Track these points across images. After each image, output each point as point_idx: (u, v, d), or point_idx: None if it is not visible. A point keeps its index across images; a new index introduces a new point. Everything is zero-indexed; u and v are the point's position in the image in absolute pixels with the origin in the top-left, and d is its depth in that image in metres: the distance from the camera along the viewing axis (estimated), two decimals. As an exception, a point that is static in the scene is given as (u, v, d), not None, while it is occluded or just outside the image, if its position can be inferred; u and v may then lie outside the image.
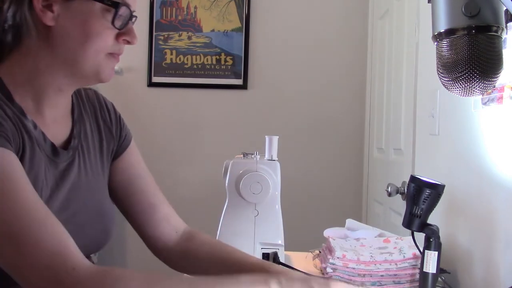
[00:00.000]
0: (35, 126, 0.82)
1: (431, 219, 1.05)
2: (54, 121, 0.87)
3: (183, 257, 0.98)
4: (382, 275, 1.13)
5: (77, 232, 0.82)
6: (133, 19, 0.86)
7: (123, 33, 0.83)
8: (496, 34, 0.81)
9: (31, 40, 0.80)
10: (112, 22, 0.81)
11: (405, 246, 1.17)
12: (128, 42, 0.85)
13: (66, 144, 0.89)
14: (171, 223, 1.01)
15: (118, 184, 1.00)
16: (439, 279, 1.09)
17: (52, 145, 0.84)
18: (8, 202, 0.67)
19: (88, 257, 0.89)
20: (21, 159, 0.76)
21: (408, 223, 1.05)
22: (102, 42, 0.81)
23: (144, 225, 1.00)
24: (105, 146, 0.98)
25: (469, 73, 0.81)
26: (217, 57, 2.64)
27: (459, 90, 0.84)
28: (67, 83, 0.85)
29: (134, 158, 1.05)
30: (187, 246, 0.99)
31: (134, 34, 0.85)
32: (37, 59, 0.81)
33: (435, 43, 0.88)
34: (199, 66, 2.64)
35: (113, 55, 0.84)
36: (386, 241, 1.23)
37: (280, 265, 0.95)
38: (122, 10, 0.81)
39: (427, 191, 1.02)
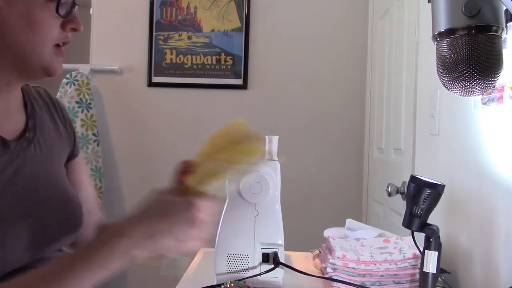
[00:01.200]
0: None
1: (431, 219, 1.05)
2: (6, 115, 0.86)
3: None
4: (382, 275, 1.13)
5: (42, 220, 0.84)
6: (76, 6, 0.84)
7: (68, 21, 0.82)
8: (496, 34, 0.81)
9: None
10: (57, 11, 0.79)
11: (405, 246, 1.17)
12: (74, 30, 0.83)
13: (21, 136, 0.88)
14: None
15: None
16: (439, 279, 1.09)
17: (1, 138, 0.82)
18: None
19: (59, 250, 0.90)
20: None
21: (408, 223, 1.05)
22: (48, 32, 0.79)
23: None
24: (64, 141, 0.99)
25: (469, 73, 0.81)
26: (217, 57, 2.64)
27: (459, 90, 0.84)
28: (15, 77, 0.83)
29: (81, 168, 1.06)
30: None
31: (78, 20, 0.83)
32: None
33: (435, 43, 0.87)
34: (199, 66, 2.64)
35: (59, 48, 0.83)
36: (386, 241, 1.23)
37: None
38: None
39: (427, 191, 1.01)
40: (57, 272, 0.66)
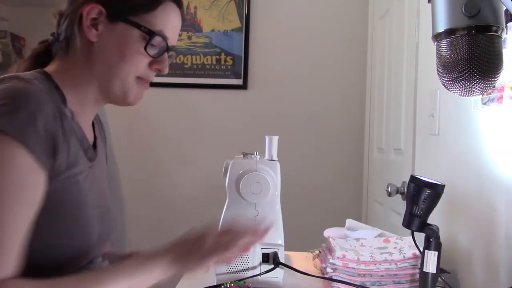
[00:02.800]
0: (80, 130, 0.90)
1: (431, 219, 1.05)
2: (87, 127, 0.96)
3: None
4: (382, 275, 1.13)
5: (107, 228, 0.96)
6: (170, 52, 0.94)
7: (156, 61, 0.91)
8: (496, 34, 0.81)
9: (76, 52, 0.90)
10: (145, 49, 0.88)
11: (405, 246, 1.17)
12: (159, 71, 0.93)
13: (94, 147, 0.98)
14: None
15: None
16: (439, 279, 1.09)
17: (89, 145, 0.93)
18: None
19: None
20: (61, 157, 0.82)
21: (408, 223, 1.05)
22: (133, 65, 0.89)
23: None
24: (105, 159, 1.08)
25: (469, 73, 0.81)
26: (217, 57, 2.64)
27: (459, 90, 0.84)
28: (101, 97, 0.93)
29: None
30: None
31: (165, 64, 0.93)
32: (79, 70, 0.90)
33: (435, 43, 0.88)
34: (199, 66, 2.64)
35: (142, 80, 0.92)
36: (386, 241, 1.23)
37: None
38: (157, 40, 0.89)
39: (427, 191, 1.02)
40: (113, 277, 0.81)
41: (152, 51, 0.90)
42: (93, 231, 0.89)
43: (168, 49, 0.92)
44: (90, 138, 0.97)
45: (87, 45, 0.89)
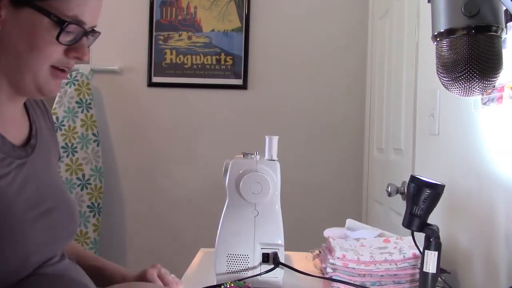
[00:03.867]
0: None
1: (431, 219, 1.05)
2: (14, 123, 0.88)
3: None
4: (382, 275, 1.13)
5: (55, 226, 0.86)
6: (90, 35, 0.85)
7: (73, 48, 0.82)
8: (496, 34, 0.81)
9: None
10: (57, 38, 0.79)
11: (405, 246, 1.17)
12: (78, 58, 0.83)
13: (26, 143, 0.89)
14: None
15: None
16: (439, 279, 1.09)
17: (11, 144, 0.84)
18: None
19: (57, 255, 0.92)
20: None
21: (408, 223, 1.05)
22: (45, 56, 0.80)
23: None
24: (55, 146, 1.01)
25: (468, 73, 0.81)
26: (217, 57, 2.64)
27: (459, 90, 0.84)
28: (15, 93, 0.84)
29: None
30: None
31: (84, 50, 0.83)
32: None
33: (435, 43, 0.88)
34: (199, 66, 2.64)
35: (59, 70, 0.83)
36: (386, 241, 1.23)
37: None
38: (71, 28, 0.80)
39: (427, 191, 1.01)
40: None
41: (66, 39, 0.80)
42: (25, 236, 0.79)
43: (85, 33, 0.82)
44: (18, 134, 0.88)
45: None
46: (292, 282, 1.23)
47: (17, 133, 0.88)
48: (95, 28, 0.86)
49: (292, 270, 1.21)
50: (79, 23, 0.80)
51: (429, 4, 0.89)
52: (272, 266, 1.18)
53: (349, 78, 2.62)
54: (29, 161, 0.86)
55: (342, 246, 1.19)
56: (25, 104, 0.94)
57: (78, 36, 0.81)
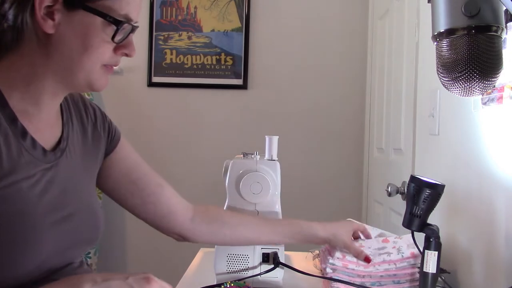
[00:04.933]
0: (25, 133, 0.81)
1: (431, 219, 1.05)
2: (48, 124, 0.87)
3: (211, 223, 1.13)
4: (381, 276, 1.13)
5: (74, 232, 0.86)
6: (134, 31, 0.86)
7: (122, 46, 0.84)
8: (496, 34, 0.81)
9: (30, 45, 0.80)
10: (112, 38, 0.81)
11: (403, 245, 1.17)
12: (127, 55, 0.85)
13: (56, 146, 0.88)
14: (181, 197, 1.11)
15: (119, 175, 1.03)
16: (439, 279, 1.09)
17: (43, 149, 0.84)
18: None
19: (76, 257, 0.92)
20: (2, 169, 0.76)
21: (408, 223, 1.05)
22: (100, 55, 0.81)
23: (157, 204, 1.05)
24: (91, 147, 0.98)
25: (468, 73, 0.81)
26: (217, 57, 2.64)
27: (459, 90, 0.84)
28: (61, 89, 0.85)
29: (128, 149, 1.06)
30: (210, 213, 1.14)
31: (133, 47, 0.86)
32: (34, 64, 0.81)
33: (435, 43, 0.87)
34: (199, 66, 2.64)
35: (108, 67, 0.85)
36: (385, 241, 1.23)
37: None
38: (124, 26, 0.82)
39: (427, 191, 1.01)
40: None
41: (119, 37, 0.82)
42: (43, 239, 0.79)
43: (133, 29, 0.85)
44: (50, 136, 0.87)
45: (44, 37, 0.79)
46: (292, 282, 1.23)
47: (49, 135, 0.87)
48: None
49: (292, 270, 1.21)
50: (129, 21, 0.82)
51: (429, 4, 0.89)
52: (272, 266, 1.18)
53: (349, 78, 2.62)
54: (56, 165, 0.86)
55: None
56: (60, 105, 0.93)
57: (127, 33, 0.84)
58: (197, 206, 1.13)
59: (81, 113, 0.98)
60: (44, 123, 0.86)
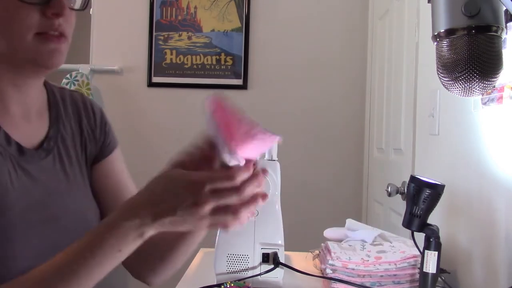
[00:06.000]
0: None
1: (431, 219, 1.05)
2: (26, 120, 0.83)
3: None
4: (381, 276, 1.13)
5: (62, 237, 0.79)
6: None
7: (49, 6, 0.74)
8: (496, 34, 0.81)
9: None
10: None
11: (403, 246, 1.17)
12: (57, 15, 0.75)
13: (40, 146, 0.84)
14: None
15: (99, 190, 0.95)
16: (439, 279, 1.09)
17: (18, 145, 0.80)
18: None
19: None
20: None
21: (408, 223, 1.05)
22: (22, 22, 0.73)
23: None
24: (87, 150, 0.94)
25: (468, 73, 0.81)
26: (217, 57, 2.64)
27: (459, 90, 0.84)
28: (15, 76, 0.80)
29: (117, 166, 1.00)
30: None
31: (61, 4, 0.75)
32: None
33: (435, 43, 0.87)
34: (199, 66, 2.64)
35: (46, 36, 0.76)
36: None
37: None
38: None
39: (427, 191, 1.01)
40: (71, 263, 0.64)
41: None
42: (21, 238, 0.75)
43: None
44: (31, 135, 0.83)
45: None
46: (292, 282, 1.23)
47: (30, 132, 0.83)
48: None
49: (292, 270, 1.21)
50: None
51: (429, 4, 0.89)
52: (272, 266, 1.18)
53: (349, 78, 2.62)
54: (39, 165, 0.82)
55: (341, 246, 1.19)
56: (49, 102, 0.89)
57: None
58: None
59: (79, 113, 0.94)
60: (18, 119, 0.81)
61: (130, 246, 0.64)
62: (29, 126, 0.84)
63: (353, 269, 1.13)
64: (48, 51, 0.76)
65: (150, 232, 0.64)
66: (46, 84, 0.92)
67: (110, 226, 0.64)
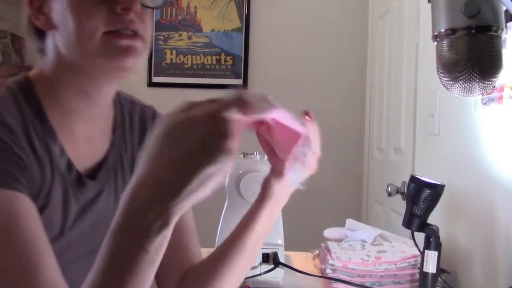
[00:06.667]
0: (62, 152, 0.72)
1: (431, 219, 1.05)
2: (88, 139, 0.76)
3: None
4: (381, 276, 1.13)
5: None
6: None
7: (116, 1, 0.67)
8: (496, 34, 0.81)
9: (43, 44, 0.73)
10: None
11: (403, 246, 1.17)
12: (126, 10, 0.67)
13: (96, 170, 0.77)
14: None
15: None
16: (439, 279, 1.09)
17: (78, 175, 0.74)
18: (14, 252, 0.59)
19: None
20: (37, 196, 0.68)
21: (408, 223, 1.05)
22: (86, 22, 0.66)
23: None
24: None
25: (468, 73, 0.81)
26: (217, 57, 2.64)
27: (459, 90, 0.84)
28: (86, 84, 0.73)
29: None
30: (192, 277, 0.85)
31: None
32: (51, 64, 0.73)
33: (435, 43, 0.87)
34: (199, 66, 2.64)
35: (116, 34, 0.68)
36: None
37: None
38: None
39: (427, 191, 1.02)
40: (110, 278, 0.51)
41: None
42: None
43: None
44: (89, 156, 0.76)
45: (46, 36, 0.72)
46: (292, 282, 1.23)
47: (90, 154, 0.76)
48: None
49: (292, 270, 1.21)
50: None
51: (429, 4, 0.89)
52: (272, 266, 1.18)
53: (349, 78, 2.62)
54: (94, 197, 0.75)
55: (341, 246, 1.19)
56: (115, 120, 0.81)
57: None
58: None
59: (145, 132, 0.85)
60: (81, 140, 0.75)
61: (158, 237, 0.49)
62: (90, 147, 0.77)
63: (353, 269, 1.13)
64: (119, 49, 0.67)
65: (174, 216, 0.49)
66: (116, 100, 0.84)
67: (123, 233, 0.50)
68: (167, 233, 0.49)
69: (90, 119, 0.76)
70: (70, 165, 0.73)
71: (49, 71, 0.73)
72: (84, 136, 0.76)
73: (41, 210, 0.67)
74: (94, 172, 0.77)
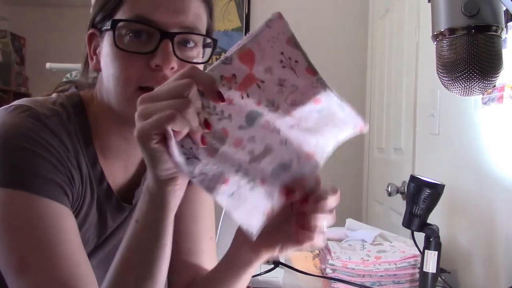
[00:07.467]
0: (102, 179, 0.74)
1: (431, 219, 1.05)
2: (125, 167, 0.79)
3: None
4: (381, 275, 1.13)
5: None
6: (178, 39, 0.67)
7: (154, 56, 0.65)
8: (495, 33, 0.81)
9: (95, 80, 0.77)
10: (115, 44, 0.66)
11: (403, 246, 1.18)
12: (160, 67, 0.65)
13: (131, 193, 0.80)
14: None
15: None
16: (439, 279, 1.09)
17: (117, 201, 0.77)
18: (52, 257, 0.62)
19: None
20: (77, 215, 0.70)
21: (408, 223, 1.05)
22: (123, 74, 0.67)
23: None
24: None
25: (468, 73, 0.81)
26: (218, 56, 2.64)
27: (459, 89, 0.84)
28: (122, 129, 0.74)
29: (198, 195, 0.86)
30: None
31: (166, 54, 0.65)
32: (99, 98, 0.75)
33: (435, 43, 0.87)
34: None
35: (148, 91, 0.62)
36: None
37: None
38: (124, 28, 0.67)
39: (427, 190, 1.02)
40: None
41: (122, 43, 0.66)
42: None
43: (164, 34, 0.65)
44: (126, 180, 0.79)
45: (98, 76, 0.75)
46: (292, 282, 1.23)
47: (123, 176, 0.79)
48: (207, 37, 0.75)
49: (292, 270, 1.21)
50: (143, 20, 0.65)
51: (429, 4, 0.89)
52: (272, 266, 1.18)
53: (349, 78, 2.62)
54: (126, 221, 0.78)
55: (341, 246, 1.19)
56: None
57: (155, 40, 0.66)
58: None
59: None
60: (116, 166, 0.77)
61: (169, 202, 0.58)
62: (125, 175, 0.80)
63: (353, 268, 1.13)
64: None
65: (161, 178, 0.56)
66: None
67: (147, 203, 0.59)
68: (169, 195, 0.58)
69: (127, 154, 0.78)
70: (109, 193, 0.76)
71: (99, 101, 0.75)
72: (121, 165, 0.79)
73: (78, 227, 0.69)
74: (130, 197, 0.80)
